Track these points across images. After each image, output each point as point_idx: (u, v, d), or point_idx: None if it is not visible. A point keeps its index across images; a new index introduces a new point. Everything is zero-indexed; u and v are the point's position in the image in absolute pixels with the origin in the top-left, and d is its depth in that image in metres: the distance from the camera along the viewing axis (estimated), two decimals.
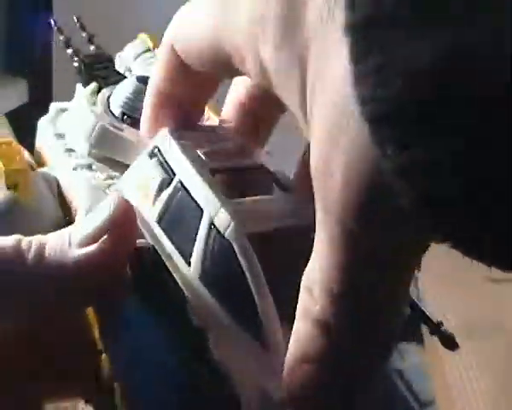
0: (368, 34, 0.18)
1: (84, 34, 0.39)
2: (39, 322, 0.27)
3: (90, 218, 0.28)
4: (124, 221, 0.27)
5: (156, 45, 0.39)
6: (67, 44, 0.38)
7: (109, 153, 0.33)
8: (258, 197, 0.28)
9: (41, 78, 1.15)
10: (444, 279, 0.92)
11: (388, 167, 0.18)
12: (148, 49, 0.40)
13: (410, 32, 0.17)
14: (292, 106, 0.23)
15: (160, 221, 0.28)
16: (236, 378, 0.25)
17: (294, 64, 0.21)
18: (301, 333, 0.23)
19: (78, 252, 0.27)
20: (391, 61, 0.18)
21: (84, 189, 0.32)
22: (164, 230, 0.27)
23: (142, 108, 0.32)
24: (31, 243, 0.27)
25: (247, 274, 0.25)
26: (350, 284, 0.21)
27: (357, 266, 0.21)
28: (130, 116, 0.34)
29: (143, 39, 0.40)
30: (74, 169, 0.33)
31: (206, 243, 0.26)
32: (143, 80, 0.34)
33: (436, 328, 0.30)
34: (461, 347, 0.80)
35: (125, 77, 0.37)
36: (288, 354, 0.23)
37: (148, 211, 0.28)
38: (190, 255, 0.26)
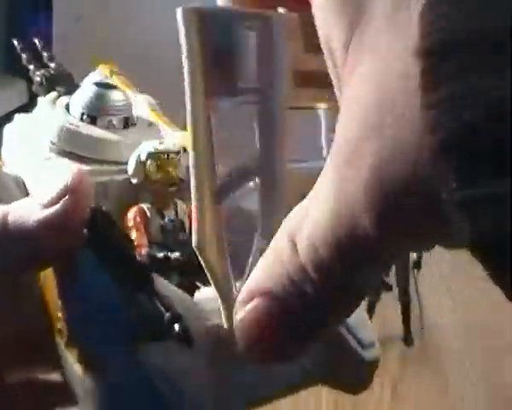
0: (446, 58, 0.17)
1: (45, 54, 0.42)
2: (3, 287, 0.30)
3: (51, 187, 0.30)
4: (80, 186, 0.30)
5: (114, 73, 0.44)
6: (30, 62, 0.42)
7: (69, 148, 0.37)
8: None
9: None
10: (444, 279, 0.92)
11: (447, 197, 0.18)
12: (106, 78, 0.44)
13: (491, 62, 0.17)
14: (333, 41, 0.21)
15: None
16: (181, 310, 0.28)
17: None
18: (271, 272, 0.22)
19: (41, 213, 0.29)
20: (469, 89, 0.17)
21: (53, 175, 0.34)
22: None
23: (101, 108, 0.37)
24: None
25: None
26: (340, 260, 0.21)
27: (352, 252, 0.21)
28: (89, 115, 0.37)
29: (101, 70, 0.45)
30: (36, 164, 0.36)
31: None
32: (102, 85, 0.38)
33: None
34: (460, 347, 0.81)
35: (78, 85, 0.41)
36: (250, 279, 0.23)
37: None
38: None
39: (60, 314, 0.30)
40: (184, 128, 0.40)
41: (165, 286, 0.29)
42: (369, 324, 0.33)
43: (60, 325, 0.31)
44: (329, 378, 0.32)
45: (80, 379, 0.29)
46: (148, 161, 0.35)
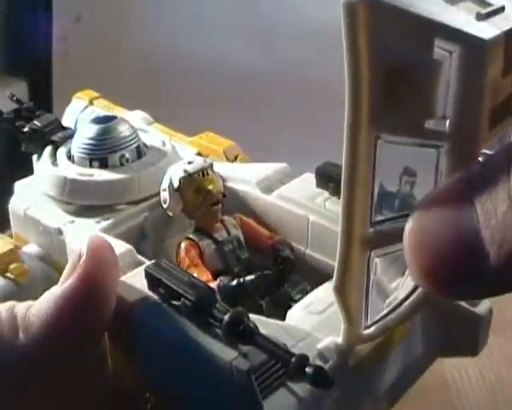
0: None
1: (24, 106, 0.38)
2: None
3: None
4: (98, 245, 0.26)
5: (94, 98, 0.40)
6: (12, 121, 0.37)
7: (86, 201, 0.33)
8: None
9: (41, 79, 1.15)
10: None
11: None
12: (86, 106, 0.40)
13: None
14: None
15: None
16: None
17: None
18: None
19: (57, 291, 0.25)
20: None
21: (77, 244, 0.30)
22: None
23: (107, 147, 0.33)
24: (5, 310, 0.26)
25: None
26: None
27: None
28: (97, 158, 0.34)
29: (79, 99, 0.41)
30: (59, 233, 0.32)
31: None
32: (100, 120, 0.34)
33: None
34: None
35: (72, 130, 0.37)
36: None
37: None
38: None
39: (147, 394, 0.27)
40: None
41: (260, 323, 0.25)
42: None
43: (149, 403, 0.27)
44: (449, 347, 0.31)
45: None
46: (183, 188, 0.31)
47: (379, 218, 0.21)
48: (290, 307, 0.28)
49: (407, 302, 0.23)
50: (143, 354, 0.26)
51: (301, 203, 0.33)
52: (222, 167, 0.35)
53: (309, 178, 0.34)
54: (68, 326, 0.25)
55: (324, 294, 0.28)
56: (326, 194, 0.33)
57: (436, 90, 0.19)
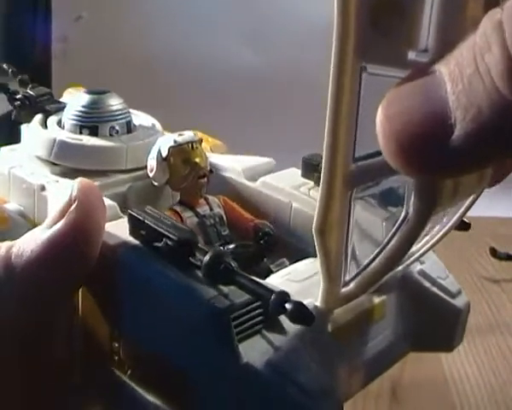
0: None
1: (18, 77, 0.39)
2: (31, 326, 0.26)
3: (53, 207, 0.27)
4: (87, 194, 0.26)
5: None
6: (4, 89, 0.37)
7: (73, 163, 0.33)
8: None
9: (40, 78, 1.15)
10: None
11: None
12: None
13: None
14: None
15: None
16: None
17: None
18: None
19: (44, 234, 0.25)
20: None
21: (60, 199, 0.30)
22: None
23: (99, 115, 0.33)
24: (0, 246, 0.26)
25: None
26: None
27: None
28: (88, 126, 0.34)
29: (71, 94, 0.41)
30: (42, 189, 0.32)
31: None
32: (95, 92, 0.35)
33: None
34: (460, 348, 0.80)
35: (65, 103, 0.37)
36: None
37: None
38: None
39: (116, 344, 0.27)
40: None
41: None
42: (450, 274, 0.31)
43: (117, 355, 0.27)
44: (423, 340, 0.30)
45: (154, 407, 0.25)
46: (171, 158, 0.31)
47: (361, 154, 0.21)
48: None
49: (386, 250, 0.23)
50: (122, 298, 0.26)
51: (285, 191, 0.33)
52: (208, 156, 0.35)
53: (294, 171, 0.35)
54: (53, 269, 0.25)
55: (304, 267, 0.28)
56: (311, 184, 0.33)
57: (420, 19, 0.19)
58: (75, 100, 0.35)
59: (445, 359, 0.76)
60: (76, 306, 0.27)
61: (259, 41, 1.05)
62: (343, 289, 0.24)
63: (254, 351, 0.23)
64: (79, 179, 0.26)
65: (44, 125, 0.35)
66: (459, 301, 0.30)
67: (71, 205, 0.26)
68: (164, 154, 0.31)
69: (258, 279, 0.24)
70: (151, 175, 0.32)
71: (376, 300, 0.28)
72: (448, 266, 0.95)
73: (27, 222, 0.32)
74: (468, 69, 0.16)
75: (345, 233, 0.23)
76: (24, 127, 0.36)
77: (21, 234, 0.27)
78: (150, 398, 0.26)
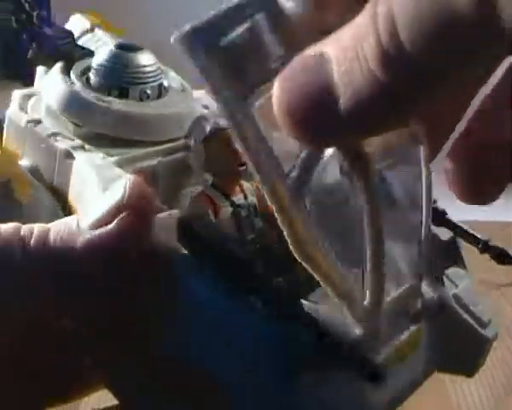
0: None
1: (36, 12, 0.34)
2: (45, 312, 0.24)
3: (100, 202, 0.25)
4: (139, 200, 0.24)
5: (96, 23, 0.36)
6: (23, 24, 0.33)
7: (99, 129, 0.30)
8: None
9: None
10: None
11: None
12: (86, 31, 0.37)
13: None
14: None
15: None
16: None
17: None
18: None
19: (88, 235, 0.24)
20: None
21: (89, 171, 0.28)
22: None
23: (130, 76, 0.30)
24: (32, 228, 0.24)
25: None
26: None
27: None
28: (117, 87, 0.31)
29: (79, 21, 0.37)
30: (67, 156, 0.29)
31: None
32: (126, 48, 0.31)
33: (486, 245, 0.30)
34: None
35: (90, 51, 0.34)
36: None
37: None
38: None
39: None
40: None
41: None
42: (486, 300, 0.31)
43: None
44: (448, 364, 0.30)
45: None
46: (211, 141, 0.29)
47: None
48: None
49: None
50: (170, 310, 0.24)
51: None
52: None
53: None
54: (94, 274, 0.24)
55: None
56: None
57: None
58: (104, 53, 0.31)
59: None
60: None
61: None
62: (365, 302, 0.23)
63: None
64: (132, 179, 0.25)
65: (67, 74, 0.32)
66: (489, 332, 0.30)
67: (120, 208, 0.24)
68: (204, 134, 0.29)
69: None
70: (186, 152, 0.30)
71: (413, 329, 0.27)
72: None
73: (40, 183, 0.30)
74: (349, 53, 0.18)
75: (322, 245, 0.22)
76: (41, 71, 0.33)
77: (36, 196, 0.26)
78: None
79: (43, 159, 0.30)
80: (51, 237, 0.24)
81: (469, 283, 0.31)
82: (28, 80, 0.34)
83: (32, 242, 0.24)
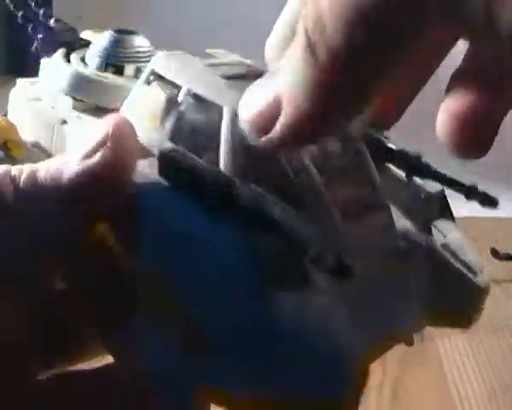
0: None
1: (41, 11, 0.37)
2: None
3: (86, 139, 0.26)
4: (124, 132, 0.26)
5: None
6: (29, 19, 0.37)
7: (96, 100, 0.32)
8: None
9: None
10: None
11: None
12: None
13: None
14: None
15: (173, 138, 0.27)
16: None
17: None
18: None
19: (76, 167, 0.25)
20: None
21: (83, 133, 0.29)
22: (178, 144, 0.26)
23: (125, 55, 0.33)
24: (22, 169, 0.25)
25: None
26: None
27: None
28: (114, 64, 0.33)
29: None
30: (64, 122, 0.31)
31: (233, 137, 0.25)
32: (123, 32, 0.34)
33: (471, 191, 0.29)
34: (461, 348, 0.80)
35: (90, 42, 0.36)
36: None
37: (158, 133, 0.27)
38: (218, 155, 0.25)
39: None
40: None
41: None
42: (475, 251, 0.30)
43: None
44: (443, 317, 0.30)
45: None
46: None
47: None
48: None
49: None
50: (145, 235, 0.25)
51: None
52: None
53: None
54: (82, 198, 0.25)
55: None
56: None
57: None
58: (101, 38, 0.34)
59: (445, 359, 0.76)
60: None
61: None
62: None
63: (286, 303, 0.22)
64: (114, 115, 0.26)
65: (67, 59, 0.34)
66: (481, 280, 0.30)
67: (105, 140, 0.25)
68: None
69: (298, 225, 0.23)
70: None
71: (397, 264, 0.28)
72: None
73: (43, 154, 0.31)
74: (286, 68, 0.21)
75: None
76: (44, 61, 0.35)
77: (31, 153, 0.27)
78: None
79: (44, 131, 0.32)
80: (40, 174, 0.25)
81: (459, 234, 0.31)
82: (31, 76, 0.36)
83: (22, 182, 0.25)
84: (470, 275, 0.29)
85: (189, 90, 0.27)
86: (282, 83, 0.21)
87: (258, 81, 0.22)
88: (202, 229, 0.23)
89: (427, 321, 0.30)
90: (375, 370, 0.75)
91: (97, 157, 0.25)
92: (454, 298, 0.30)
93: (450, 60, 0.25)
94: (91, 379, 0.27)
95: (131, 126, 0.26)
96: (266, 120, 0.22)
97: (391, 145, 0.31)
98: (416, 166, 0.30)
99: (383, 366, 0.73)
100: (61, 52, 0.35)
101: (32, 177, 0.25)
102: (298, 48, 0.20)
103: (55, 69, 0.33)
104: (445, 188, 0.31)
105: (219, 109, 0.25)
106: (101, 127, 0.25)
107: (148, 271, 0.25)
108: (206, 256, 0.23)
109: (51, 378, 0.27)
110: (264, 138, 0.22)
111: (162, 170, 0.25)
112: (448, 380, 0.71)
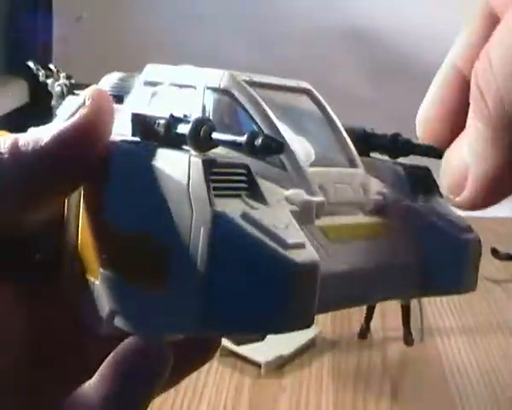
0: None
1: (54, 69, 0.39)
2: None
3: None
4: (101, 96, 0.27)
5: None
6: (47, 76, 0.39)
7: None
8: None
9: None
10: None
11: None
12: None
13: None
14: None
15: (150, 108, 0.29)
16: None
17: None
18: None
19: (56, 128, 0.26)
20: None
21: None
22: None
23: (126, 86, 0.34)
24: (5, 139, 0.26)
25: (254, 114, 0.26)
26: None
27: None
28: (116, 95, 0.34)
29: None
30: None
31: (204, 109, 0.27)
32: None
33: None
34: (461, 347, 0.80)
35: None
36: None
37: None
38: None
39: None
40: None
41: None
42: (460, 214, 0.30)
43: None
44: (434, 280, 0.29)
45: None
46: None
47: None
48: None
49: None
50: (110, 187, 0.26)
51: None
52: None
53: None
54: (61, 158, 0.26)
55: None
56: None
57: None
58: (107, 80, 0.36)
59: (445, 358, 0.76)
60: (77, 203, 0.28)
61: (265, 41, 1.04)
62: None
63: (230, 206, 0.23)
64: (92, 86, 0.28)
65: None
66: (467, 236, 0.29)
67: (84, 103, 0.26)
68: None
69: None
70: None
71: (373, 219, 0.29)
72: None
73: None
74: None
75: None
76: (60, 110, 0.37)
77: None
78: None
79: None
80: (21, 141, 0.26)
81: (443, 200, 0.30)
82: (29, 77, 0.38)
83: (5, 151, 0.26)
84: (455, 231, 0.29)
85: (170, 83, 0.30)
86: (466, 154, 0.24)
87: (447, 151, 0.26)
88: (151, 156, 0.25)
89: (425, 291, 0.30)
90: (375, 370, 0.75)
91: (76, 116, 0.26)
92: (443, 259, 0.29)
93: None
94: None
95: (106, 93, 0.27)
96: (458, 184, 0.25)
97: (371, 130, 0.32)
98: (395, 144, 0.31)
99: (383, 366, 0.73)
100: (69, 98, 0.36)
101: (15, 146, 0.26)
102: (478, 123, 0.24)
103: (64, 110, 0.35)
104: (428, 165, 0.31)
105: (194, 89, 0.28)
106: (79, 97, 0.27)
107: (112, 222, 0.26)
108: (158, 179, 0.24)
109: None
110: (457, 199, 0.25)
111: (134, 129, 0.26)
112: (448, 380, 0.71)
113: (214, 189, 0.23)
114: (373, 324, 0.78)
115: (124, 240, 0.25)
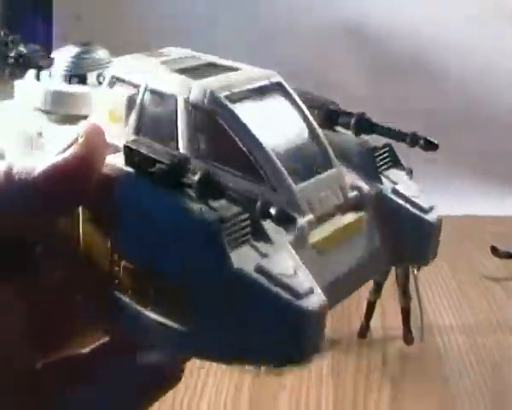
0: None
1: (10, 38, 0.39)
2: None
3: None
4: (94, 131, 0.28)
5: None
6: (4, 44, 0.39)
7: (67, 110, 0.34)
8: (228, 73, 0.30)
9: None
10: (443, 279, 0.92)
11: None
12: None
13: None
14: None
15: (137, 132, 0.30)
16: None
17: None
18: None
19: (49, 161, 0.27)
20: None
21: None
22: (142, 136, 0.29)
23: (89, 65, 0.35)
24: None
25: (234, 132, 0.27)
26: None
27: None
28: (77, 75, 0.35)
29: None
30: (40, 135, 0.34)
31: (188, 124, 0.28)
32: (83, 44, 0.36)
33: (413, 138, 0.32)
34: (461, 346, 0.80)
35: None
36: None
37: (123, 129, 0.30)
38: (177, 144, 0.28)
39: (116, 268, 0.28)
40: None
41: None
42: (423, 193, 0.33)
43: (117, 279, 0.28)
44: (400, 255, 0.32)
45: (156, 323, 0.26)
46: None
47: None
48: None
49: None
50: (119, 223, 0.27)
51: None
52: None
53: None
54: (54, 190, 0.27)
55: None
56: None
57: None
58: (63, 54, 0.36)
59: (445, 357, 0.76)
60: (77, 230, 0.29)
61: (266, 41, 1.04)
62: None
63: (244, 258, 0.25)
64: (86, 121, 0.29)
65: (37, 78, 0.37)
66: (431, 217, 0.32)
67: (77, 139, 0.28)
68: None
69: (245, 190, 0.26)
70: None
71: (354, 216, 0.30)
72: (449, 263, 0.95)
73: None
74: None
75: None
76: (18, 83, 0.37)
77: None
78: (151, 315, 0.27)
79: (22, 147, 0.34)
80: (15, 169, 0.27)
81: (408, 181, 0.33)
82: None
83: None
84: (419, 213, 0.32)
85: (146, 87, 0.30)
86: None
87: None
88: (164, 203, 0.26)
89: (392, 264, 0.34)
90: (375, 368, 0.75)
91: (69, 151, 0.27)
92: (408, 237, 0.32)
93: None
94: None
95: (100, 128, 0.28)
96: None
97: (336, 108, 0.33)
98: (361, 122, 0.33)
99: (383, 365, 0.74)
100: (31, 73, 0.37)
101: (8, 171, 0.27)
102: None
103: (27, 89, 0.36)
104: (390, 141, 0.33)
105: (174, 99, 0.29)
106: (73, 132, 0.28)
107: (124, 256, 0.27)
108: (170, 227, 0.26)
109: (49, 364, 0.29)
110: None
111: (128, 160, 0.27)
112: (448, 380, 0.71)
113: (228, 242, 0.25)
114: (373, 322, 0.78)
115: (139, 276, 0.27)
